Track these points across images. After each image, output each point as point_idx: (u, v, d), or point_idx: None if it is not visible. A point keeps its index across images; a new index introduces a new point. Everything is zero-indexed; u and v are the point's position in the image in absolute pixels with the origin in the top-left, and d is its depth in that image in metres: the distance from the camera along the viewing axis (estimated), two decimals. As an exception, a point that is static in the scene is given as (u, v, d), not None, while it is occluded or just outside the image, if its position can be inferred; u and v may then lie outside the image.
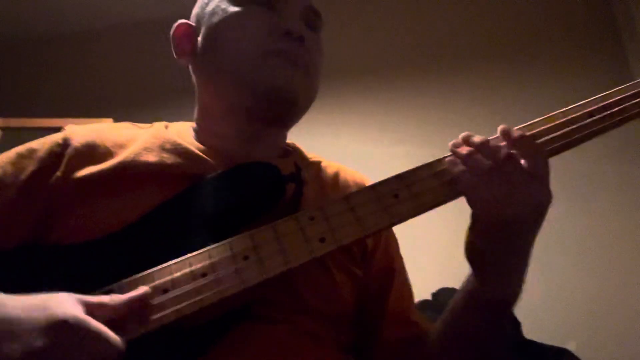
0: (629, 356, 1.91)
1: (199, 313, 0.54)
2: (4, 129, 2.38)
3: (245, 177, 0.65)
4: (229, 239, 0.58)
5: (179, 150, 0.70)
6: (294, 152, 0.82)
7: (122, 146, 0.71)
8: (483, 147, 0.59)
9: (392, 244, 0.82)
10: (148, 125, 0.79)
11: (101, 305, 0.49)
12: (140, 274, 0.55)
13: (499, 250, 0.60)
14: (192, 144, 0.73)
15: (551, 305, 2.02)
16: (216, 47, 0.75)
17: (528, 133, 0.62)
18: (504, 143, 0.60)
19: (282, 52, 0.72)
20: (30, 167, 0.67)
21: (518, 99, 2.35)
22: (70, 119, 2.01)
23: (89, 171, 0.66)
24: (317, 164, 0.82)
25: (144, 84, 2.76)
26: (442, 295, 1.72)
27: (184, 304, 0.53)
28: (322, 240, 0.58)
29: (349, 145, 2.45)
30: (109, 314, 0.49)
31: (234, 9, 0.74)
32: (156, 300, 0.53)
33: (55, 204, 0.65)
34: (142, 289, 0.52)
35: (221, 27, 0.75)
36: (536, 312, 1.83)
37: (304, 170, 0.69)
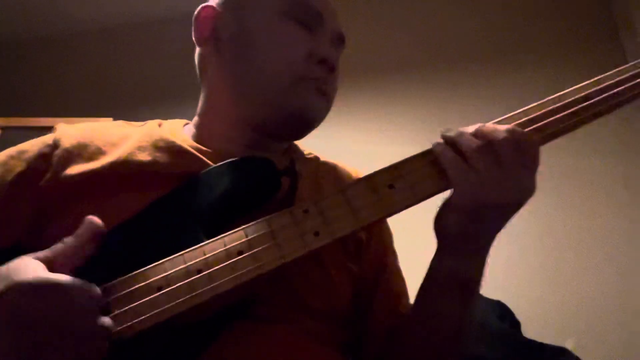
0: (628, 356, 1.90)
1: (195, 311, 0.53)
2: (4, 128, 2.38)
3: (241, 171, 0.65)
4: (223, 235, 0.57)
5: (173, 149, 0.70)
6: (290, 148, 0.82)
7: (114, 145, 0.70)
8: (479, 128, 0.59)
9: (385, 236, 0.81)
10: (141, 123, 0.78)
11: (57, 253, 0.50)
12: (134, 272, 0.54)
13: (471, 231, 0.60)
14: (185, 141, 0.72)
15: (550, 304, 2.02)
16: (248, 56, 0.72)
17: (524, 119, 0.62)
18: (501, 127, 0.59)
19: (316, 82, 0.72)
20: (18, 168, 0.67)
21: (517, 98, 2.33)
22: (70, 119, 2.01)
23: (80, 171, 0.66)
24: (315, 160, 0.82)
25: (143, 84, 2.76)
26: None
27: (178, 301, 0.52)
28: (316, 233, 0.57)
29: (349, 145, 2.45)
30: (69, 258, 0.50)
31: (275, 21, 0.73)
32: (151, 298, 0.52)
33: (46, 204, 0.65)
34: (86, 220, 0.53)
35: (258, 37, 0.72)
36: (536, 311, 1.83)
37: (298, 163, 0.69)
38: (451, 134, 0.60)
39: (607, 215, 2.16)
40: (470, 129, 0.60)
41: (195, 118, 0.80)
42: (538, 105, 0.64)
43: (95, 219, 0.54)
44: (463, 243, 0.61)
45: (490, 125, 0.60)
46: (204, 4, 0.78)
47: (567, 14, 2.53)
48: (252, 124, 0.73)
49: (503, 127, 0.59)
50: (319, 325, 0.66)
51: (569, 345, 1.36)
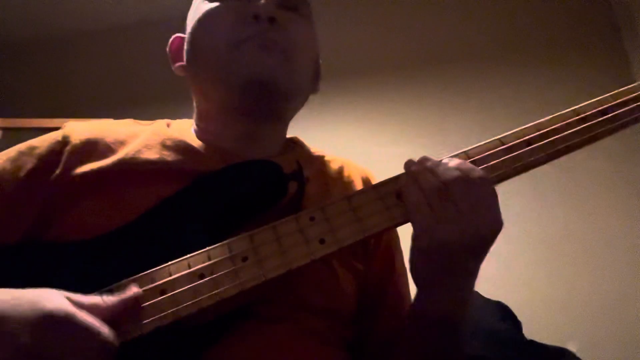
0: (629, 356, 1.90)
1: (198, 314, 0.53)
2: (4, 129, 2.37)
3: (247, 175, 0.65)
4: (229, 240, 0.57)
5: (180, 147, 0.70)
6: (296, 147, 0.81)
7: (122, 143, 0.70)
8: (434, 167, 0.58)
9: (393, 238, 0.81)
10: (149, 122, 0.78)
11: (93, 306, 0.49)
12: (139, 275, 0.54)
13: (437, 271, 0.58)
14: (193, 140, 0.72)
15: (552, 305, 2.02)
16: (195, 48, 0.74)
17: (475, 157, 0.61)
18: (456, 164, 0.58)
19: (250, 38, 0.68)
20: (30, 164, 0.67)
21: (517, 99, 2.35)
22: (70, 119, 2.00)
23: (89, 168, 0.66)
24: (321, 158, 0.81)
25: (143, 84, 2.76)
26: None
27: (182, 306, 0.52)
28: (322, 241, 0.57)
29: (349, 145, 2.45)
30: (101, 315, 0.48)
31: (208, 5, 0.73)
32: (154, 301, 0.52)
33: (55, 201, 0.65)
34: (133, 290, 0.51)
35: (196, 27, 0.74)
36: (537, 312, 1.83)
37: (305, 168, 0.69)
38: (414, 168, 0.59)
39: (609, 216, 2.16)
40: (429, 163, 0.59)
41: (194, 124, 0.80)
42: (492, 141, 0.63)
43: (139, 291, 0.52)
44: (437, 284, 0.60)
45: (445, 162, 0.59)
46: (172, 37, 0.82)
47: (567, 15, 2.53)
48: (227, 113, 0.73)
49: (454, 164, 0.58)
50: (323, 323, 0.66)
51: (571, 346, 1.36)
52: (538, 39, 2.51)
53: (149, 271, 0.55)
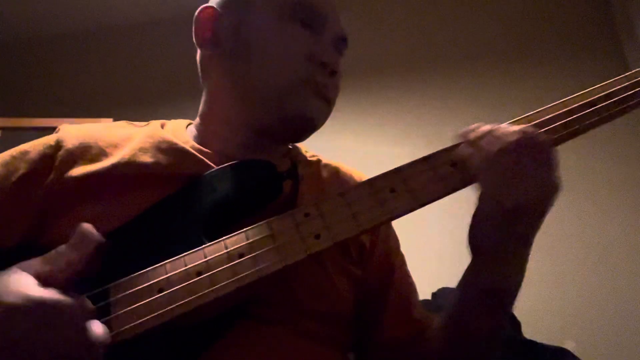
0: (628, 356, 1.90)
1: (196, 312, 0.53)
2: (3, 129, 2.38)
3: (242, 174, 0.65)
4: (224, 237, 0.57)
5: (175, 151, 0.70)
6: (292, 150, 0.82)
7: (116, 146, 0.70)
8: (496, 131, 0.59)
9: (391, 240, 0.81)
10: (144, 123, 0.78)
11: (50, 264, 0.48)
12: (135, 274, 0.54)
13: (501, 236, 0.59)
14: (187, 143, 0.72)
15: (551, 305, 2.02)
16: (250, 58, 0.71)
17: (536, 121, 0.63)
18: (518, 128, 0.59)
19: (317, 85, 0.71)
20: (21, 169, 0.67)
21: (517, 98, 2.35)
22: (70, 119, 2.01)
23: (83, 172, 0.66)
24: (317, 162, 0.81)
25: (144, 84, 2.76)
26: (442, 295, 1.72)
27: (179, 303, 0.52)
28: (317, 237, 0.57)
29: (349, 145, 2.45)
30: (62, 268, 0.48)
31: (275, 21, 0.72)
32: (151, 300, 0.52)
33: (49, 205, 0.65)
34: (81, 229, 0.50)
35: (258, 37, 0.71)
36: (536, 312, 1.83)
37: (300, 166, 0.69)
38: (471, 136, 0.60)
39: (607, 216, 2.16)
40: (485, 129, 0.60)
41: (197, 119, 0.80)
42: (553, 106, 0.65)
43: (88, 226, 0.51)
44: (500, 253, 0.61)
45: (503, 127, 0.60)
46: (204, 5, 0.77)
47: (566, 14, 2.53)
48: (252, 127, 0.73)
49: (515, 128, 0.59)
50: (320, 326, 0.66)
51: (568, 346, 1.36)
52: (538, 39, 2.52)
53: (145, 270, 0.55)
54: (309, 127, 0.73)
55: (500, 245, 0.60)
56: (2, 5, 2.76)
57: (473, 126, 0.62)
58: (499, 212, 0.58)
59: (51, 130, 0.75)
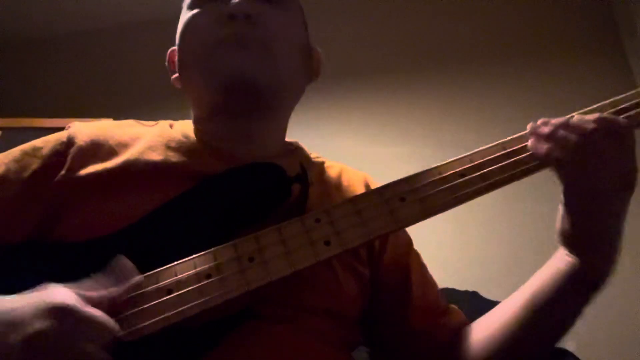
0: (628, 356, 1.91)
1: (202, 313, 0.53)
2: (3, 129, 2.37)
3: (251, 177, 0.65)
4: (234, 241, 0.58)
5: (184, 149, 0.71)
6: (297, 151, 0.82)
7: (126, 144, 0.71)
8: (567, 123, 0.59)
9: (401, 240, 0.81)
10: (153, 122, 0.79)
11: (98, 299, 0.50)
12: (144, 275, 0.55)
13: (594, 224, 0.60)
14: (196, 142, 0.73)
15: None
16: (182, 58, 0.76)
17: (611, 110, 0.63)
18: (589, 116, 0.60)
19: (227, 37, 0.69)
20: (34, 165, 0.68)
21: (518, 99, 2.36)
22: (70, 119, 2.00)
23: (94, 169, 0.67)
24: (321, 164, 0.82)
25: (144, 84, 2.76)
26: (443, 295, 1.72)
27: (188, 305, 0.53)
28: (327, 243, 0.57)
29: (349, 145, 2.45)
30: (105, 306, 0.49)
31: (189, 14, 0.75)
32: (160, 301, 0.53)
33: (59, 201, 0.65)
34: (136, 278, 0.53)
35: (181, 37, 0.76)
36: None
37: (309, 171, 0.69)
38: (546, 130, 0.60)
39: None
40: (558, 120, 0.60)
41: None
42: (626, 96, 0.65)
43: (141, 278, 0.53)
44: (590, 241, 0.61)
45: (578, 116, 0.61)
46: (169, 50, 0.84)
47: (566, 16, 2.53)
48: (217, 113, 0.74)
49: (591, 117, 0.59)
50: (325, 325, 0.67)
51: (568, 346, 1.37)
52: (539, 40, 2.52)
53: (154, 271, 0.55)
54: (245, 82, 0.69)
55: (593, 234, 0.60)
56: (2, 5, 2.75)
57: (541, 121, 0.62)
58: (586, 201, 0.59)
59: (52, 130, 0.75)
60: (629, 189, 0.59)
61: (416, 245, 0.85)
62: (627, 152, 0.58)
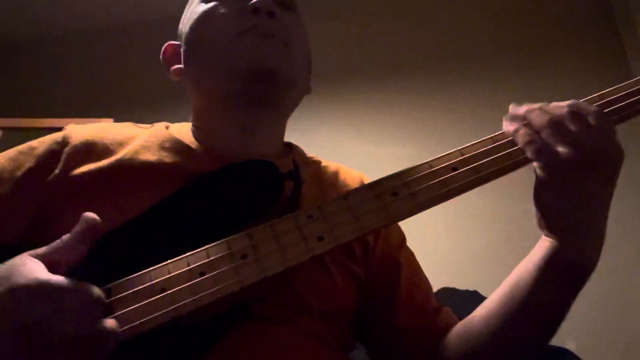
0: (628, 356, 1.90)
1: (197, 312, 0.53)
2: (4, 129, 2.38)
3: (243, 175, 0.65)
4: (227, 238, 0.57)
5: (178, 148, 0.71)
6: (293, 151, 0.82)
7: (121, 144, 0.71)
8: (541, 107, 0.60)
9: (392, 237, 0.81)
10: (148, 125, 0.79)
11: (55, 251, 0.49)
12: (137, 274, 0.54)
13: (566, 204, 0.59)
14: (191, 142, 0.73)
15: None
16: (195, 48, 0.77)
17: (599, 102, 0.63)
18: (563, 103, 0.60)
19: (254, 28, 0.71)
20: (28, 163, 0.68)
21: (517, 98, 2.34)
22: (70, 119, 2.01)
23: (88, 169, 0.67)
24: (317, 164, 0.82)
25: (144, 84, 2.76)
26: (442, 295, 1.72)
27: (181, 303, 0.52)
28: (320, 238, 0.57)
29: (349, 145, 2.45)
30: (68, 255, 0.49)
31: (205, 6, 0.76)
32: (153, 299, 0.52)
33: (52, 201, 0.65)
34: (83, 216, 0.52)
35: (196, 27, 0.76)
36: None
37: (302, 168, 0.69)
38: (520, 111, 0.61)
39: (608, 215, 2.16)
40: (534, 106, 0.61)
41: (193, 124, 0.81)
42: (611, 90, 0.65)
43: (92, 215, 0.52)
44: (566, 221, 0.60)
45: (552, 103, 0.61)
46: (164, 45, 0.85)
47: (565, 15, 2.53)
48: (228, 104, 0.74)
49: (564, 103, 0.59)
50: (321, 325, 0.66)
51: (569, 345, 1.36)
52: (538, 37, 2.52)
53: (147, 270, 0.55)
54: (267, 71, 0.71)
55: (573, 216, 0.59)
56: (3, 6, 2.76)
57: (522, 107, 0.62)
58: (564, 182, 0.57)
59: (51, 130, 0.76)
60: (601, 169, 0.58)
61: (414, 245, 0.84)
62: (595, 134, 0.57)
